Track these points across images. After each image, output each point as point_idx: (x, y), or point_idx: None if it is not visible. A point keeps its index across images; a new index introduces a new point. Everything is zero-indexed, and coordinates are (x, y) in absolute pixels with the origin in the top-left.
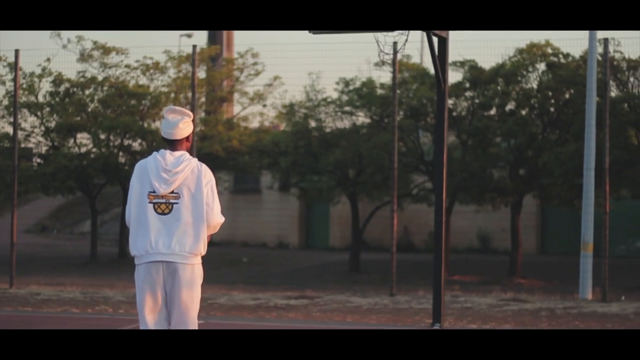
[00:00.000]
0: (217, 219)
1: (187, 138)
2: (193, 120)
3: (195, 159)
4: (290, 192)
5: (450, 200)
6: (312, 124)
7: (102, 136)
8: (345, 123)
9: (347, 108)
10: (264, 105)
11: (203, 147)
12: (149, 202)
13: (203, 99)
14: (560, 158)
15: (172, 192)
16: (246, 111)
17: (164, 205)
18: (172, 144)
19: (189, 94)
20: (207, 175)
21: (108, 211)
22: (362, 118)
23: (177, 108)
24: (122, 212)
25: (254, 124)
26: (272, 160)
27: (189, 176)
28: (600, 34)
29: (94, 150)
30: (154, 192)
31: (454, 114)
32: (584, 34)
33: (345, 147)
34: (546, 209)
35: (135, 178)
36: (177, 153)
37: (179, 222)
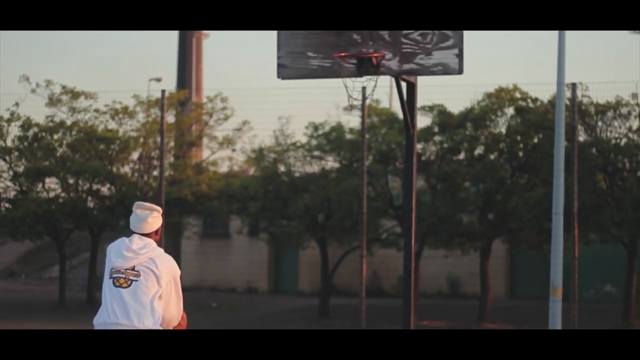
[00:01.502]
0: (171, 315)
1: (155, 232)
2: (162, 215)
3: (161, 250)
4: (259, 236)
5: (420, 245)
6: (281, 168)
7: (71, 181)
8: (314, 168)
9: (316, 153)
10: (233, 150)
11: (172, 192)
12: (109, 278)
13: (172, 144)
14: (529, 202)
15: (133, 269)
16: (215, 156)
17: (123, 280)
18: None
19: (158, 139)
20: (165, 267)
21: (77, 256)
22: (331, 163)
23: (146, 204)
24: (90, 258)
25: (223, 168)
26: (241, 205)
27: (151, 262)
28: (569, 79)
29: (62, 195)
30: (113, 268)
31: (423, 158)
32: (552, 79)
33: (314, 192)
34: (515, 253)
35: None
36: (146, 239)
37: (137, 297)
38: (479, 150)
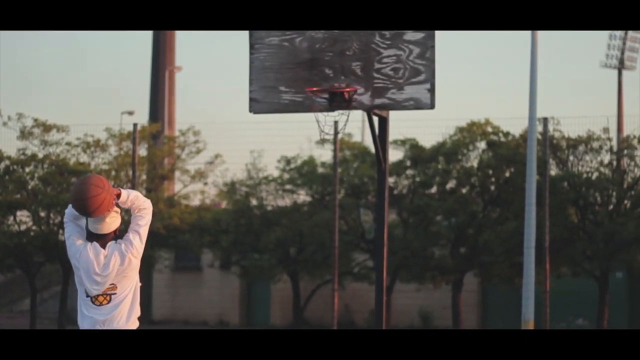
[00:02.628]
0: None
1: (114, 232)
2: (120, 213)
3: (116, 244)
4: (231, 270)
5: (392, 279)
6: (253, 202)
7: (42, 214)
8: (286, 201)
9: (288, 186)
10: (205, 183)
11: None
12: (86, 297)
13: (144, 177)
14: (501, 236)
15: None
16: (187, 189)
17: (102, 297)
18: (101, 238)
19: (130, 172)
20: (132, 264)
21: (48, 289)
22: (303, 196)
23: None
24: (62, 290)
25: (195, 201)
26: (213, 238)
27: (120, 270)
28: (540, 113)
29: (33, 228)
30: (88, 292)
31: (395, 192)
32: (524, 113)
33: (286, 226)
34: (487, 287)
35: (77, 265)
36: (107, 250)
37: (118, 308)
38: (450, 184)
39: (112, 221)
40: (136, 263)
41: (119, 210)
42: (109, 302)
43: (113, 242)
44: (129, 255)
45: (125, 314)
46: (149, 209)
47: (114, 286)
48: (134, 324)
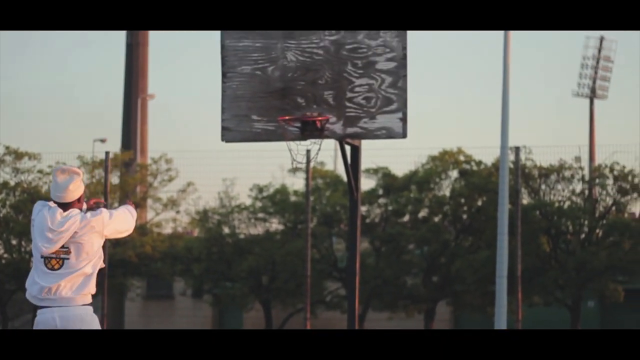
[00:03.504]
0: (124, 229)
1: (78, 200)
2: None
3: (80, 212)
4: (203, 298)
5: (364, 307)
6: (226, 230)
7: (14, 242)
8: (258, 229)
9: (260, 214)
10: (177, 211)
11: (116, 253)
12: (41, 257)
13: (116, 205)
14: (473, 265)
15: (63, 246)
16: (159, 217)
17: (55, 261)
18: (63, 206)
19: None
20: (88, 234)
21: (19, 317)
22: (275, 225)
23: (67, 168)
24: (33, 318)
25: (167, 229)
26: (185, 267)
27: (75, 235)
28: (512, 142)
29: (5, 256)
30: (42, 253)
31: (368, 220)
32: (496, 142)
33: (258, 254)
34: (459, 315)
35: (33, 223)
36: (67, 213)
37: (70, 275)
38: (423, 213)
39: (76, 188)
40: (98, 233)
41: (81, 174)
42: (61, 266)
43: (78, 210)
44: (92, 221)
45: (74, 286)
46: (127, 232)
47: (67, 250)
48: (83, 299)
